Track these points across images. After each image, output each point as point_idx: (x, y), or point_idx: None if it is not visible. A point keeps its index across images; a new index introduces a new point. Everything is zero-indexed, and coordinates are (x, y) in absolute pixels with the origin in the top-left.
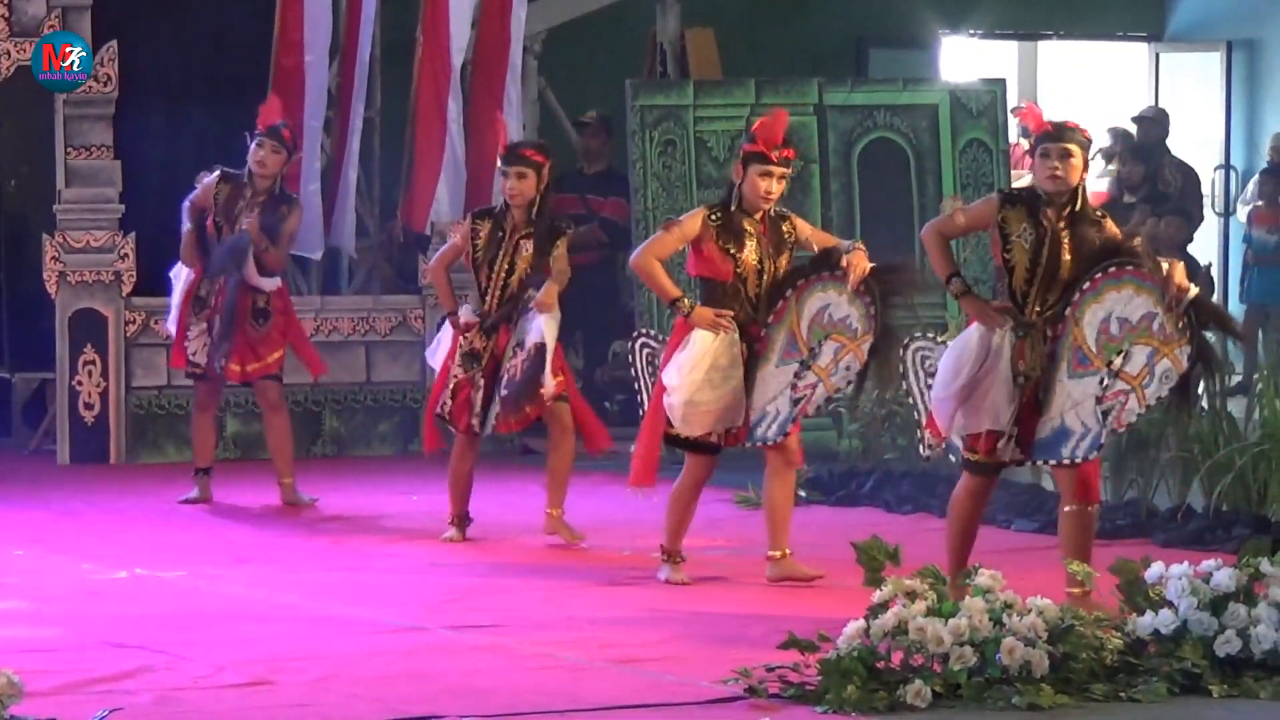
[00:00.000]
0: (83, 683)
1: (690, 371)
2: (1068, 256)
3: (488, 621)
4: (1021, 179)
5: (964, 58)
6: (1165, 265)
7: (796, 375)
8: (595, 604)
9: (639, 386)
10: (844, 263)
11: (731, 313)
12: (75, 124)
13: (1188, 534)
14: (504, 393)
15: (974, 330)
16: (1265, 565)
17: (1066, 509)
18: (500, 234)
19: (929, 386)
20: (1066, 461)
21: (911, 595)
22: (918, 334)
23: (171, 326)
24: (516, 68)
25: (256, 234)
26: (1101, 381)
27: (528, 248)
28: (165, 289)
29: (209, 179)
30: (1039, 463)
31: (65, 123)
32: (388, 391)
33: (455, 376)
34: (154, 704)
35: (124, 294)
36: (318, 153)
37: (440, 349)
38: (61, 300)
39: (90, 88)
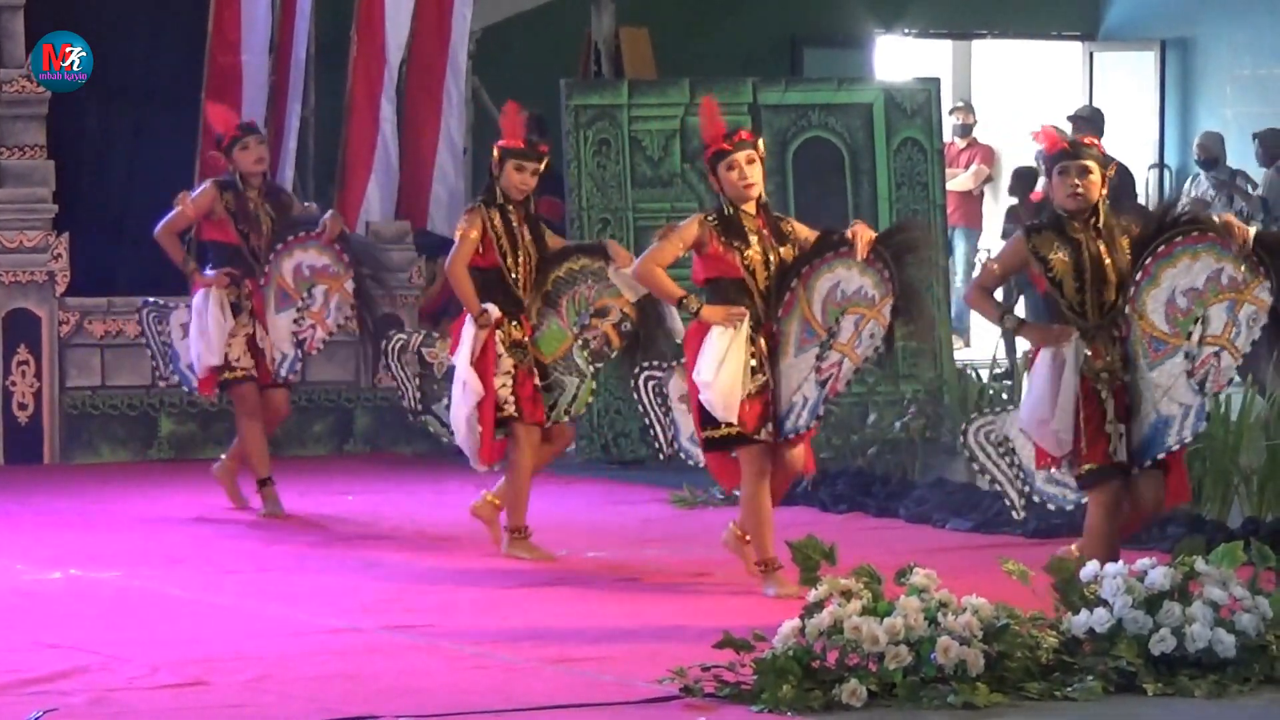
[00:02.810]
0: (17, 683)
1: (720, 365)
2: (1108, 259)
3: (423, 622)
4: (956, 178)
5: (898, 57)
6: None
7: (818, 358)
8: (530, 604)
9: (649, 421)
10: (849, 234)
11: (743, 307)
12: (9, 123)
13: None
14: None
15: (1043, 357)
16: (1200, 564)
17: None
18: (508, 223)
19: (1001, 458)
20: (1176, 446)
21: (847, 594)
22: (974, 415)
23: (212, 356)
24: (458, 66)
25: (338, 221)
26: (1187, 355)
27: (526, 234)
28: (101, 290)
29: (199, 193)
30: (1149, 462)
31: None
32: (323, 392)
33: (509, 372)
34: (88, 704)
35: (58, 294)
36: None
37: (463, 351)
38: None
39: (23, 87)
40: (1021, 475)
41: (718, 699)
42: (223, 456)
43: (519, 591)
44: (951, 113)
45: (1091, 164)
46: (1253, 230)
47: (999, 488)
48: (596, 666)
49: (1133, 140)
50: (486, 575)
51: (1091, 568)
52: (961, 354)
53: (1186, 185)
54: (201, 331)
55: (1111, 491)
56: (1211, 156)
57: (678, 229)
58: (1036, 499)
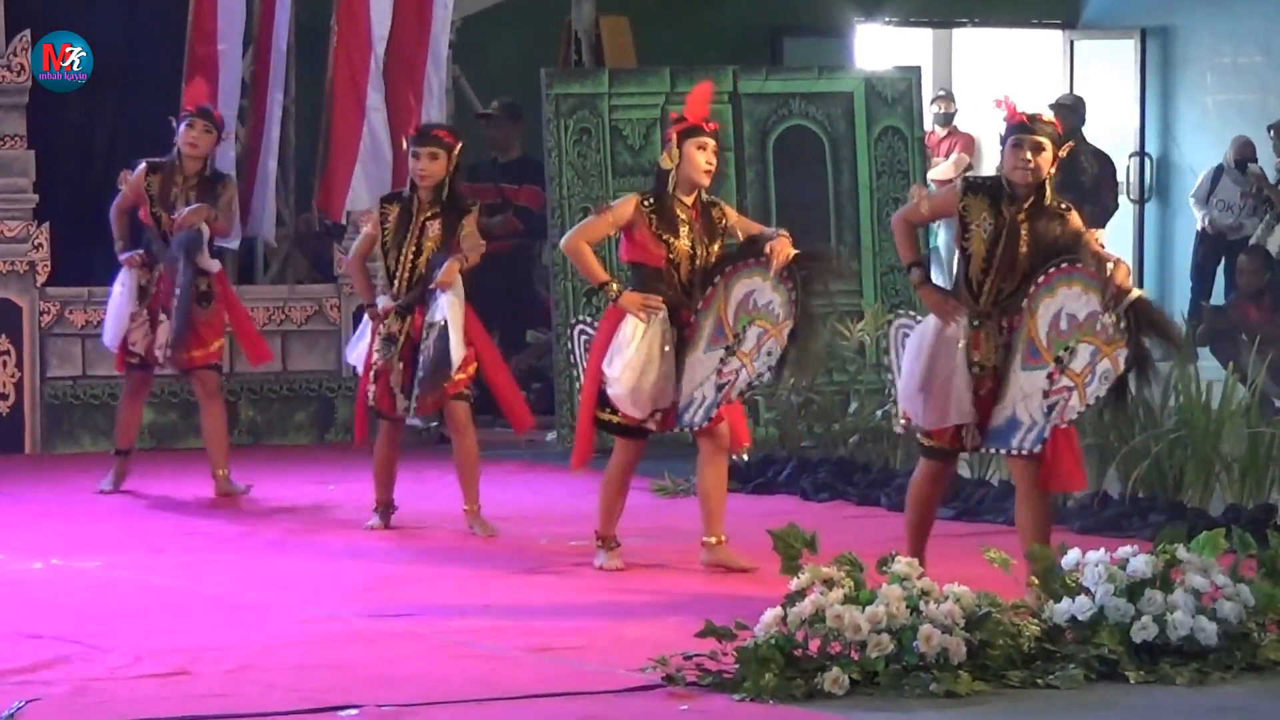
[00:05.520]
0: None
1: (628, 358)
2: (1024, 249)
3: (405, 610)
4: (937, 166)
5: (879, 45)
6: (1110, 265)
7: (721, 360)
8: (512, 592)
9: (578, 373)
10: (768, 249)
11: (661, 298)
12: None
13: (1104, 520)
14: (420, 374)
15: (930, 321)
16: (1182, 552)
17: (1022, 496)
18: (407, 216)
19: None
20: (1014, 452)
21: (829, 583)
22: (900, 311)
23: (112, 335)
24: (439, 56)
25: (206, 211)
26: (1049, 376)
27: (434, 228)
28: (81, 280)
29: (135, 173)
30: (992, 450)
31: None
32: (304, 381)
33: (376, 364)
34: (70, 694)
35: (39, 284)
36: (233, 142)
37: (362, 342)
38: None
39: (3, 77)
40: None
41: (700, 688)
42: (219, 472)
43: (500, 580)
44: (932, 101)
45: (1045, 140)
46: (1135, 294)
47: (892, 392)
48: (578, 655)
49: (1113, 128)
50: (467, 563)
51: (1073, 556)
52: None
53: (1203, 178)
54: (113, 311)
55: (942, 467)
56: (1245, 159)
57: (613, 207)
58: None
